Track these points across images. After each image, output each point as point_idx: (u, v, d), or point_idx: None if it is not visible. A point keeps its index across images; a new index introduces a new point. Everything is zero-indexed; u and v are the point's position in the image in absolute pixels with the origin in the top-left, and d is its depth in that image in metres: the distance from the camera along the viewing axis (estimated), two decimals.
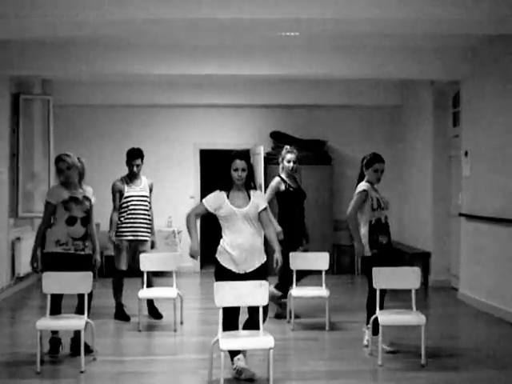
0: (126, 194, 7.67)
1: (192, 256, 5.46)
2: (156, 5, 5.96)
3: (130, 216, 7.67)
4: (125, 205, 7.67)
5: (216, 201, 5.43)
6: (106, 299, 8.08)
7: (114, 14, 6.02)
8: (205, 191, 11.98)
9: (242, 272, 5.36)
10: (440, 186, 10.12)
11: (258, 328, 5.26)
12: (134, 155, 7.76)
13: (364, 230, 6.31)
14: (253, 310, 5.35)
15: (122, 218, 7.67)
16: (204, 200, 5.51)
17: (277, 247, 5.51)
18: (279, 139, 11.64)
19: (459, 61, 8.78)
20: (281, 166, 7.80)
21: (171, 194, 11.60)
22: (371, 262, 6.17)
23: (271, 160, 11.30)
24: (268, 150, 11.60)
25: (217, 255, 5.44)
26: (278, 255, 5.47)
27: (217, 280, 5.32)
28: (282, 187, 7.65)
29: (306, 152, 10.77)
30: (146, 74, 9.20)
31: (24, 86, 9.90)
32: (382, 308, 6.04)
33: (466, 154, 8.84)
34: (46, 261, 6.10)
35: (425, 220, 10.40)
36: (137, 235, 7.71)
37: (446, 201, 10.07)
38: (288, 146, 7.86)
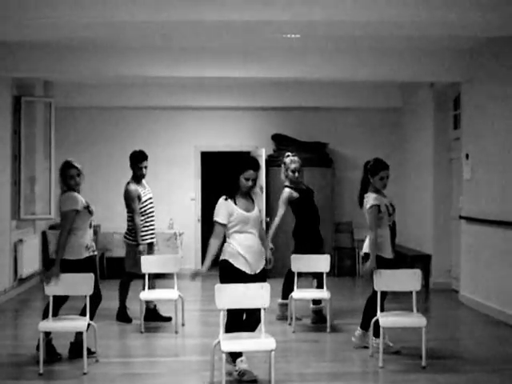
0: (143, 199, 7.61)
1: (194, 275, 5.54)
2: (157, 7, 5.99)
3: (148, 219, 7.65)
4: (143, 209, 7.61)
5: (226, 211, 5.39)
6: (108, 301, 8.08)
7: (115, 16, 6.06)
8: (206, 193, 12.04)
9: (253, 273, 5.42)
10: (441, 189, 10.14)
11: (253, 330, 5.38)
12: (142, 157, 7.68)
13: (381, 232, 6.28)
14: (250, 313, 5.40)
15: (140, 222, 7.57)
16: (216, 219, 5.39)
17: (267, 247, 5.64)
18: (280, 141, 11.67)
19: (459, 63, 8.81)
20: (284, 173, 7.70)
21: (172, 196, 11.62)
22: (391, 265, 6.21)
23: (273, 162, 11.34)
24: (269, 152, 11.63)
25: (227, 257, 5.41)
26: (269, 254, 5.70)
27: (226, 282, 5.30)
28: (295, 195, 7.62)
29: (307, 154, 10.78)
30: (147, 77, 9.25)
31: (26, 88, 9.92)
32: (382, 310, 6.08)
33: (467, 156, 8.86)
34: (77, 267, 6.00)
35: (425, 222, 10.41)
36: (153, 237, 7.77)
37: (447, 203, 10.09)
38: (290, 154, 7.73)
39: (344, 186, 11.66)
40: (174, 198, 11.65)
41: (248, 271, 5.39)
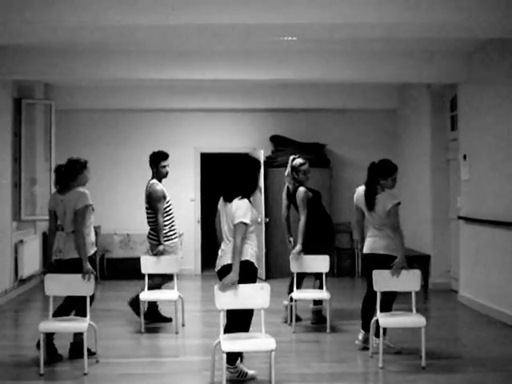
0: (167, 198, 7.64)
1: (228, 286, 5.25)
2: (156, 11, 6.00)
3: (173, 219, 7.68)
4: (168, 208, 7.62)
5: (252, 212, 5.39)
6: (108, 302, 8.15)
7: (115, 19, 6.05)
8: (205, 194, 12.08)
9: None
10: (439, 190, 10.18)
11: (247, 330, 5.39)
12: (164, 156, 7.66)
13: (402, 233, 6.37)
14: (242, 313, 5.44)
15: (166, 222, 7.58)
16: (246, 220, 5.28)
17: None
18: (279, 143, 11.73)
19: (456, 64, 8.84)
20: (292, 175, 7.62)
21: (172, 197, 11.52)
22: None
23: (271, 164, 11.38)
24: (268, 153, 11.68)
25: (249, 258, 5.38)
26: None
27: (250, 282, 5.31)
28: (310, 194, 7.62)
29: (305, 155, 10.74)
30: (147, 79, 9.25)
31: (26, 91, 9.95)
32: (389, 310, 6.17)
33: (465, 157, 8.90)
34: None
35: (424, 223, 10.45)
36: (177, 236, 7.79)
37: (445, 204, 10.13)
38: (295, 156, 7.71)
39: (342, 187, 11.71)
40: (173, 199, 11.57)
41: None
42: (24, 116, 9.74)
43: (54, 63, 8.55)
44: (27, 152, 9.80)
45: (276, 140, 11.79)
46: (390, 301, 6.30)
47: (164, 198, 7.57)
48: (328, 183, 11.54)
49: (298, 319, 7.50)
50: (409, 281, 6.10)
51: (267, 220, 11.09)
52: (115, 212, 11.11)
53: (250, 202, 5.42)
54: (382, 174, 6.30)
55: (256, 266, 5.43)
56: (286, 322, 7.59)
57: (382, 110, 11.93)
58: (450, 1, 5.94)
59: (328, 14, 6.01)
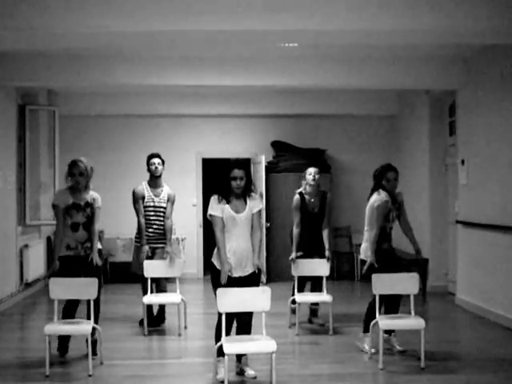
0: (145, 200, 7.90)
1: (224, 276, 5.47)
2: (160, 17, 6.08)
3: (148, 222, 7.95)
4: (145, 210, 7.94)
5: (218, 205, 5.58)
6: (112, 305, 8.22)
7: (118, 26, 6.13)
8: (207, 199, 12.17)
9: (236, 276, 5.52)
10: (437, 194, 10.28)
11: (249, 333, 5.55)
12: (150, 156, 8.03)
13: None
14: (239, 317, 5.58)
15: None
16: (212, 213, 5.57)
17: (256, 255, 5.62)
18: (280, 148, 11.83)
19: (454, 70, 8.94)
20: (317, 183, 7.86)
21: (175, 201, 11.72)
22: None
23: (272, 169, 11.49)
24: (269, 158, 11.79)
25: (213, 259, 5.59)
26: (257, 262, 5.63)
27: (215, 284, 5.47)
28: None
29: (306, 160, 10.91)
30: (150, 85, 9.34)
31: (30, 97, 10.07)
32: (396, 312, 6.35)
33: (463, 162, 9.01)
34: (59, 264, 6.30)
35: (422, 227, 10.50)
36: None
37: (443, 208, 10.23)
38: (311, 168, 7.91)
39: (342, 192, 11.84)
40: (176, 203, 11.70)
41: (230, 274, 5.50)
42: (28, 122, 9.85)
43: (58, 70, 8.63)
44: (31, 157, 9.91)
45: (277, 145, 11.90)
46: (398, 303, 6.45)
47: (142, 198, 7.74)
48: (328, 188, 11.62)
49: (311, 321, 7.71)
50: (407, 284, 6.20)
51: (268, 224, 11.19)
52: (118, 216, 11.19)
53: (226, 201, 5.62)
54: (383, 176, 6.66)
55: (219, 267, 5.55)
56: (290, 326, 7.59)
57: (381, 116, 12.03)
58: (449, 7, 6.01)
59: (328, 21, 6.07)
